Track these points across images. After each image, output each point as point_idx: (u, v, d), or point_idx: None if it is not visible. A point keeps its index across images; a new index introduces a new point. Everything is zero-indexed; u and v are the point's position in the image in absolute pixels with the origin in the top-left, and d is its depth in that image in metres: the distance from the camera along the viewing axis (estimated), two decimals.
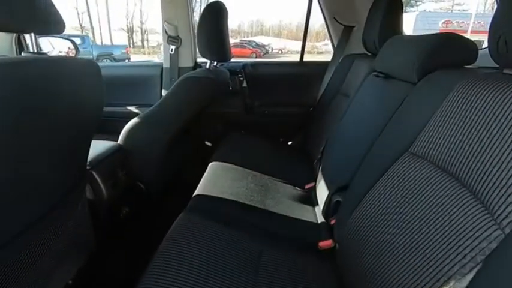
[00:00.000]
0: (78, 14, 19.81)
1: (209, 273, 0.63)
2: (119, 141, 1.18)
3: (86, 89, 0.68)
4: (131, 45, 19.84)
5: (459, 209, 0.45)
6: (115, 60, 12.07)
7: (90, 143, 0.79)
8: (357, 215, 0.71)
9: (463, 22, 17.82)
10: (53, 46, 2.08)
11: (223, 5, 1.21)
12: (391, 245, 0.55)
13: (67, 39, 2.20)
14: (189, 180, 1.22)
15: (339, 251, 0.78)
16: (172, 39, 1.58)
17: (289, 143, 1.82)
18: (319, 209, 1.06)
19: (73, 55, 2.11)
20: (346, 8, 1.49)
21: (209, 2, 1.22)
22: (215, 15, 1.18)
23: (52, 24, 0.60)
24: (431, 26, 16.52)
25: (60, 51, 2.14)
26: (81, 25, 20.09)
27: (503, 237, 0.38)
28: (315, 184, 1.20)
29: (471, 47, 0.68)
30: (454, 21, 17.83)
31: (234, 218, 0.91)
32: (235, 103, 1.78)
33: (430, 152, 0.58)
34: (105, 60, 11.80)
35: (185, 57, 1.64)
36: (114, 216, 1.14)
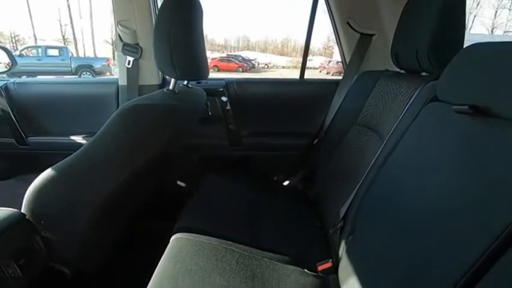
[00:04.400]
0: (61, 26, 19.27)
1: None
2: (22, 209, 0.73)
3: None
4: (115, 58, 19.33)
5: None
6: (95, 72, 11.58)
7: None
8: None
9: None
10: None
11: None
12: None
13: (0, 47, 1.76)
14: (150, 238, 0.88)
15: None
16: (129, 48, 1.16)
17: (286, 182, 1.41)
18: None
19: (9, 66, 1.66)
20: (365, 9, 1.12)
21: None
22: (180, 14, 0.78)
23: None
24: None
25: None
26: (63, 37, 19.51)
27: None
28: (334, 265, 0.79)
29: None
30: None
31: None
32: (217, 132, 1.36)
33: None
34: (84, 73, 11.30)
35: (148, 72, 1.22)
36: None
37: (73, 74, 11.05)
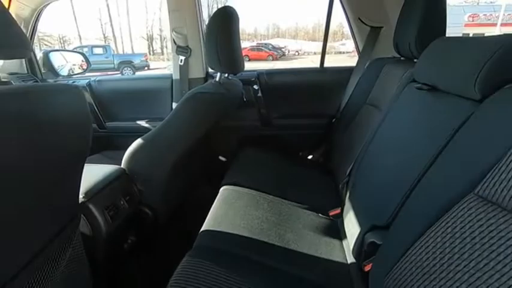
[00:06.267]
0: (101, 25, 20.72)
1: None
2: (122, 165, 1.08)
3: (67, 119, 0.57)
4: (151, 53, 20.42)
5: None
6: (135, 68, 12.40)
7: (78, 176, 0.68)
8: (405, 266, 0.56)
9: (490, 15, 16.79)
10: (66, 60, 2.06)
11: (233, 10, 1.07)
12: None
13: (79, 52, 2.18)
14: (201, 199, 1.12)
15: None
16: (182, 49, 1.47)
17: (309, 157, 1.66)
18: (347, 244, 0.91)
19: (85, 68, 2.07)
20: (373, 6, 1.32)
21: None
22: (224, 23, 1.05)
23: (17, 47, 0.49)
24: (456, 20, 15.68)
25: (74, 64, 2.11)
26: (104, 35, 20.98)
27: None
28: (342, 211, 1.04)
29: None
30: (481, 14, 16.84)
31: (248, 261, 0.77)
32: (250, 115, 1.64)
33: (503, 195, 0.44)
34: (126, 68, 12.16)
35: (195, 67, 1.53)
36: (119, 248, 1.04)
37: (116, 70, 11.96)
